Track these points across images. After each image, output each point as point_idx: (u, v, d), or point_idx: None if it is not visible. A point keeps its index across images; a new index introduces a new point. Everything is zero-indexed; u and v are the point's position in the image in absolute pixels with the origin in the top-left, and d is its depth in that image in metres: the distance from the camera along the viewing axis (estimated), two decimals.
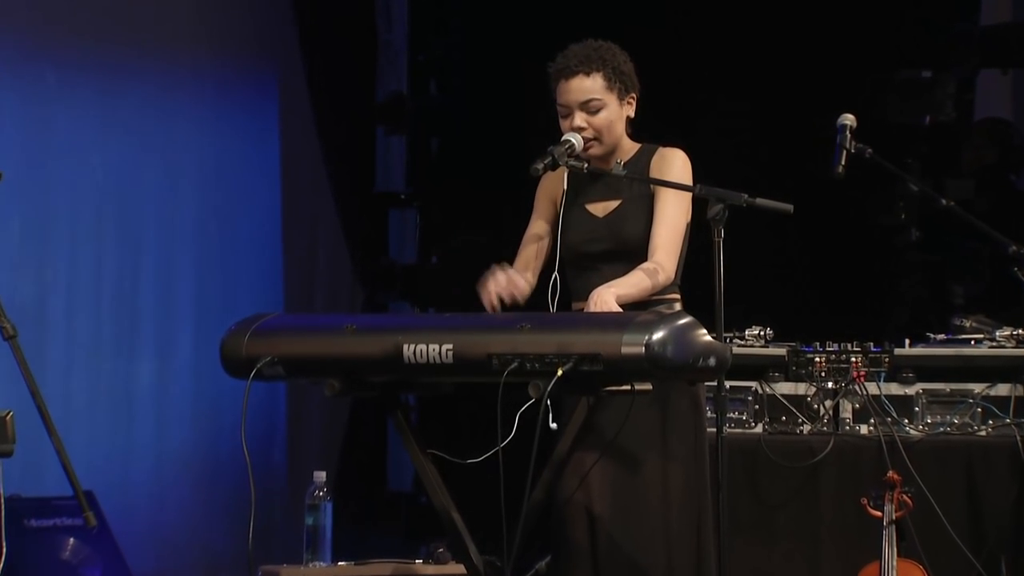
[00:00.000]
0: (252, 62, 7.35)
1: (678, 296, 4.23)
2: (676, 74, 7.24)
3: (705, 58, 7.62)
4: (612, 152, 4.23)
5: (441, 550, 4.97)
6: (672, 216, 4.16)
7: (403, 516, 7.89)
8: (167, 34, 6.87)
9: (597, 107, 4.19)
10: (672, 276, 4.14)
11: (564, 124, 4.22)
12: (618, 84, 4.21)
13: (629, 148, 4.28)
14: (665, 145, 4.29)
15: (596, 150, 4.21)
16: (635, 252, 4.15)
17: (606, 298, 3.95)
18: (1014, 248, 4.89)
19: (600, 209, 4.26)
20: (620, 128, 4.24)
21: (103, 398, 6.55)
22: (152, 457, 6.75)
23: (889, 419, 5.48)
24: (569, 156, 4.13)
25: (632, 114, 4.27)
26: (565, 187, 4.29)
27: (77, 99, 6.43)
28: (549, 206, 4.32)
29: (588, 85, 4.19)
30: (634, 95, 4.26)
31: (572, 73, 4.19)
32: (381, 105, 8.25)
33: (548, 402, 3.58)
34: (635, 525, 4.13)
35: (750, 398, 5.62)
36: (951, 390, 5.56)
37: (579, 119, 4.19)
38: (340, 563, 4.85)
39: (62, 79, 6.37)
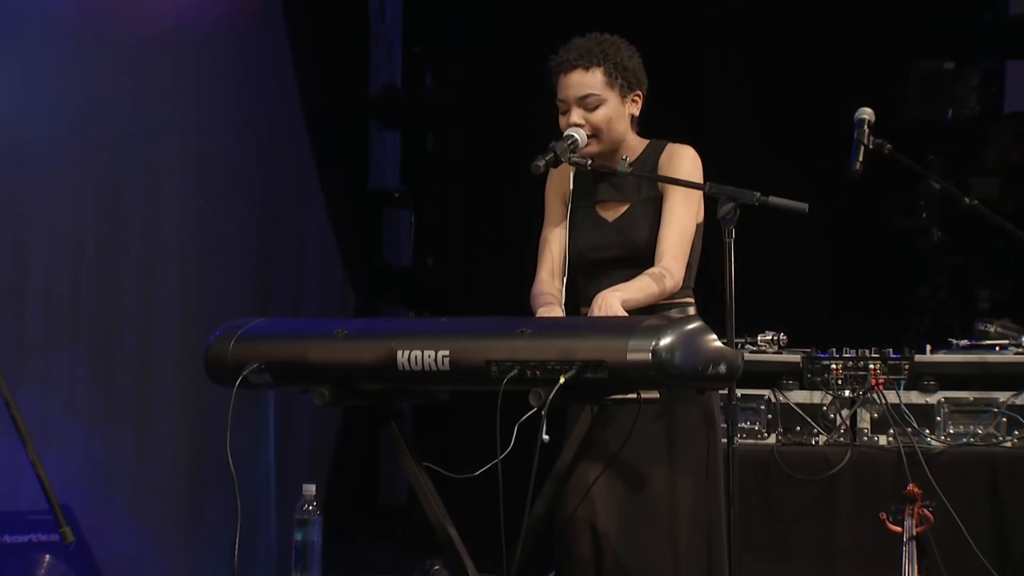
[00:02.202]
0: (236, 53, 7.34)
1: (691, 299, 4.24)
2: (686, 67, 7.25)
3: (716, 50, 7.63)
4: (613, 152, 4.24)
5: (437, 568, 4.97)
6: (680, 218, 4.17)
7: (397, 531, 7.90)
8: (145, 23, 6.86)
9: (595, 103, 4.20)
10: (680, 282, 4.15)
11: (562, 121, 4.23)
12: (620, 80, 4.21)
13: (636, 145, 4.29)
14: (674, 141, 4.30)
15: (593, 148, 4.21)
16: (645, 257, 4.17)
17: (611, 302, 3.96)
18: None
19: (609, 213, 4.28)
20: (621, 127, 4.24)
21: (81, 408, 6.55)
22: (132, 469, 6.75)
23: (909, 429, 5.50)
24: (572, 152, 4.14)
25: (637, 112, 4.28)
26: (571, 186, 4.30)
27: (53, 97, 6.43)
28: (561, 206, 4.33)
29: (587, 80, 4.20)
30: (640, 92, 4.27)
31: (571, 67, 4.20)
32: (374, 98, 8.26)
33: (545, 413, 3.57)
34: (643, 541, 4.15)
35: (763, 407, 5.63)
36: (975, 399, 5.57)
37: (576, 115, 4.20)
38: None
39: (33, 75, 6.36)
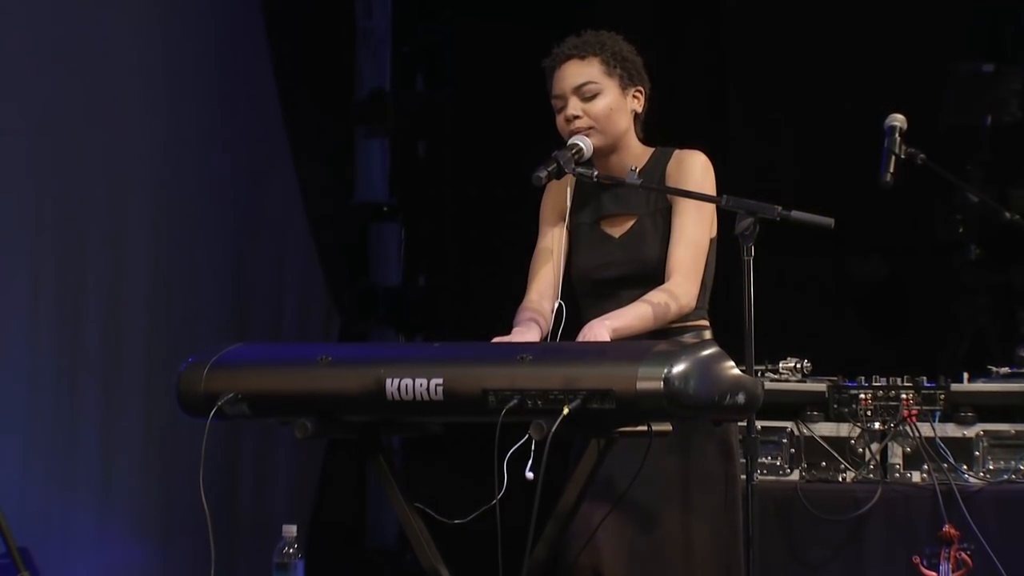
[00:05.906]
0: (211, 54, 7.36)
1: (707, 322, 4.24)
2: (700, 68, 7.27)
3: (732, 49, 7.64)
4: (615, 151, 4.25)
5: None
6: (692, 233, 4.17)
7: None
8: (109, 24, 6.88)
9: (592, 92, 4.22)
10: (692, 303, 4.14)
11: (559, 120, 4.25)
12: (619, 70, 4.23)
13: (641, 152, 4.29)
14: (682, 147, 4.31)
15: (594, 141, 4.21)
16: (657, 275, 4.17)
17: (598, 333, 3.95)
18: None
19: (615, 228, 4.28)
20: (623, 122, 4.25)
21: (40, 441, 6.55)
22: (96, 509, 6.75)
23: (945, 465, 5.50)
24: (577, 163, 4.15)
25: (639, 109, 4.29)
26: (570, 200, 4.30)
27: (12, 104, 6.44)
28: (559, 221, 4.34)
29: (583, 69, 4.23)
30: (642, 88, 4.28)
31: (565, 58, 4.24)
32: (360, 103, 8.27)
33: (545, 445, 3.56)
34: None
35: (785, 440, 5.64)
36: (1016, 432, 5.57)
37: (573, 106, 4.21)
38: None
39: None
